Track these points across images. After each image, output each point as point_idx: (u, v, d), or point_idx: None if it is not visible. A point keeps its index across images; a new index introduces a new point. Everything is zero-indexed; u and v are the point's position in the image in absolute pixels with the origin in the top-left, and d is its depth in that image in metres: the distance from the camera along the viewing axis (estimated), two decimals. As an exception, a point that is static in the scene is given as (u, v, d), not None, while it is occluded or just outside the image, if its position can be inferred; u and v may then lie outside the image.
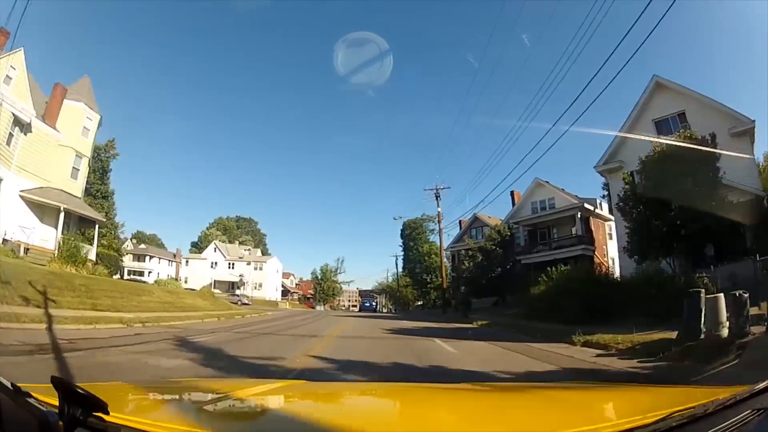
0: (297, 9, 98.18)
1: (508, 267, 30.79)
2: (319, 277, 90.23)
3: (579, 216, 27.37)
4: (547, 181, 32.23)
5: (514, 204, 36.54)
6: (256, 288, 67.10)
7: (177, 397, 2.04)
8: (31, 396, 0.99)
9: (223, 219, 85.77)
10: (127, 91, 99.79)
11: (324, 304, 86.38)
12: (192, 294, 24.65)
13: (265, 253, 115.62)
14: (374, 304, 70.20)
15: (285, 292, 76.87)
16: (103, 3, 72.62)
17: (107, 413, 0.98)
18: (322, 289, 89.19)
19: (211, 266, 68.04)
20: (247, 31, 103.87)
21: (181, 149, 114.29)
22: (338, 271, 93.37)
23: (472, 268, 32.44)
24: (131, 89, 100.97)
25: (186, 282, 62.82)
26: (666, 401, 1.55)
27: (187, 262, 70.05)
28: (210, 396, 2.03)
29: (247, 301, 45.02)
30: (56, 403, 0.97)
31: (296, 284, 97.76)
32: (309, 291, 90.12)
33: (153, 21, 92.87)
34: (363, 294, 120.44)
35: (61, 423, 0.94)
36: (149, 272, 67.72)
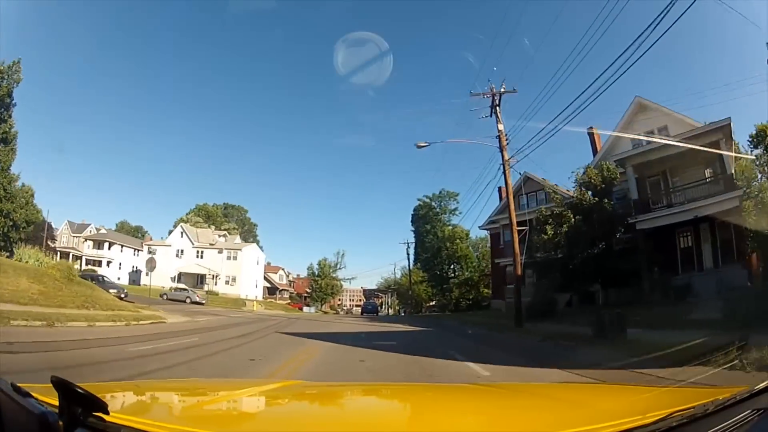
0: (295, 6, 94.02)
1: (618, 236, 18.93)
2: (316, 272, 76.93)
3: (724, 143, 16.49)
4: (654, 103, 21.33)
5: (594, 149, 25.70)
6: (228, 282, 56.84)
7: (177, 397, 2.06)
8: (31, 396, 1.02)
9: (207, 205, 69.62)
10: (126, 90, 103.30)
11: (321, 304, 76.71)
12: (16, 270, 16.07)
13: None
14: (376, 307, 61.92)
15: (272, 290, 61.19)
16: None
17: (107, 413, 1.00)
18: (319, 287, 75.82)
19: (177, 255, 58.32)
20: (242, 27, 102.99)
21: (177, 146, 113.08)
22: (338, 266, 78.52)
23: (562, 239, 19.10)
24: (131, 89, 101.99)
25: (147, 274, 43.77)
26: (666, 401, 1.62)
27: (149, 249, 58.64)
28: (210, 396, 2.08)
29: (197, 299, 36.07)
30: (56, 403, 0.99)
31: (290, 281, 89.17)
32: (306, 289, 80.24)
33: (152, 21, 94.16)
34: (367, 293, 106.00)
35: (61, 423, 0.96)
36: (109, 262, 60.78)
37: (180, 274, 53.49)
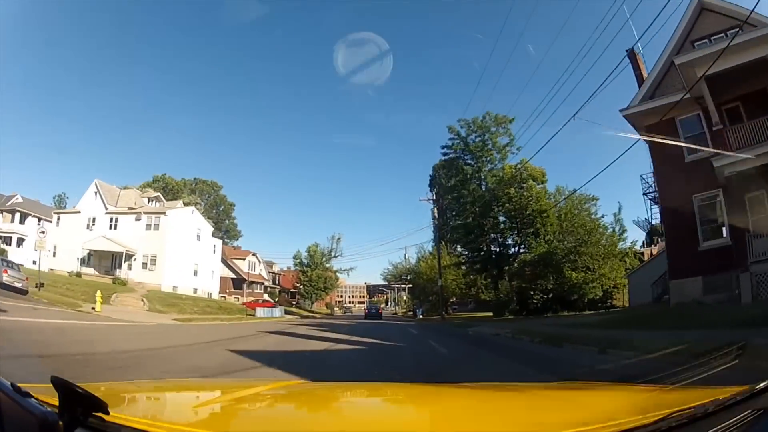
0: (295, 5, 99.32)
1: None
2: (305, 262, 57.33)
3: None
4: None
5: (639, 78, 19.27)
6: (146, 265, 38.22)
7: (177, 397, 2.10)
8: (31, 396, 1.04)
9: (169, 177, 49.57)
10: (128, 89, 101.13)
11: (312, 302, 58.24)
12: None
13: (233, 233, 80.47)
14: (379, 309, 50.20)
15: (239, 281, 35.93)
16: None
17: (107, 413, 1.01)
18: (308, 280, 56.05)
19: (88, 226, 40.35)
20: (244, 26, 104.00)
21: (177, 141, 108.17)
22: (333, 253, 58.80)
23: None
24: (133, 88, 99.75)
25: (54, 254, 38.21)
26: (666, 401, 1.60)
27: (58, 219, 42.83)
28: (210, 396, 2.10)
29: (7, 280, 19.45)
30: (56, 403, 1.01)
31: (274, 273, 69.82)
32: (296, 283, 61.50)
33: (157, 22, 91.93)
34: (371, 290, 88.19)
35: (61, 423, 0.97)
36: (21, 240, 44.28)
37: (90, 253, 38.46)
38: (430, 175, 51.35)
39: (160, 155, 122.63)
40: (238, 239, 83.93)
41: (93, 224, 40.73)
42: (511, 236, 31.10)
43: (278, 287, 71.41)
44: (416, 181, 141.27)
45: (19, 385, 1.03)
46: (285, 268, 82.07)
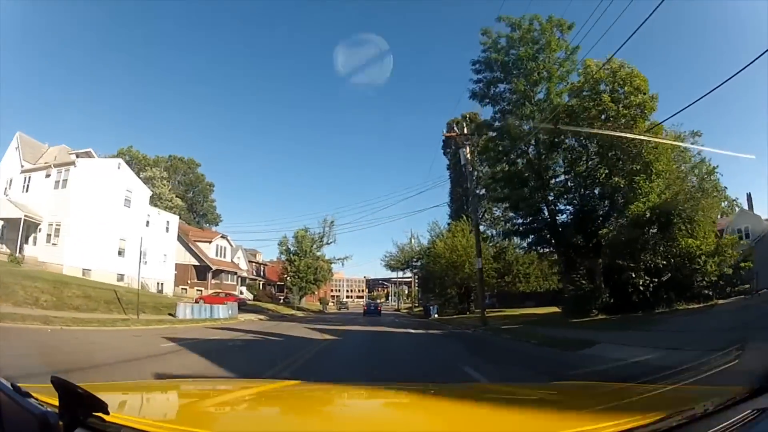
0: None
1: None
2: (292, 249, 46.79)
3: None
4: None
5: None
6: (50, 238, 27.93)
7: (177, 397, 2.13)
8: (31, 396, 1.05)
9: (135, 151, 37.68)
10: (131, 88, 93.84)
11: (301, 297, 47.49)
12: None
13: (211, 217, 72.40)
14: (378, 307, 47.63)
15: (203, 269, 22.27)
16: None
17: (107, 413, 1.01)
18: (296, 270, 45.07)
19: (5, 190, 30.72)
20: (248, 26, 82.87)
21: (182, 140, 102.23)
22: (325, 239, 48.16)
23: None
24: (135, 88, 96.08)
25: None
26: (666, 401, 1.65)
27: None
28: (210, 396, 2.17)
29: None
30: (56, 403, 1.01)
31: (256, 262, 60.15)
32: (283, 274, 51.52)
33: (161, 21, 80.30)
34: (371, 283, 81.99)
35: (61, 423, 0.97)
36: None
37: (4, 225, 28.92)
38: (443, 140, 42.39)
39: (157, 151, 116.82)
40: (217, 224, 75.06)
41: (10, 187, 32.03)
42: (599, 183, 18.90)
43: (263, 279, 64.69)
44: (416, 178, 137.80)
45: (19, 385, 1.03)
46: (275, 259, 72.94)
